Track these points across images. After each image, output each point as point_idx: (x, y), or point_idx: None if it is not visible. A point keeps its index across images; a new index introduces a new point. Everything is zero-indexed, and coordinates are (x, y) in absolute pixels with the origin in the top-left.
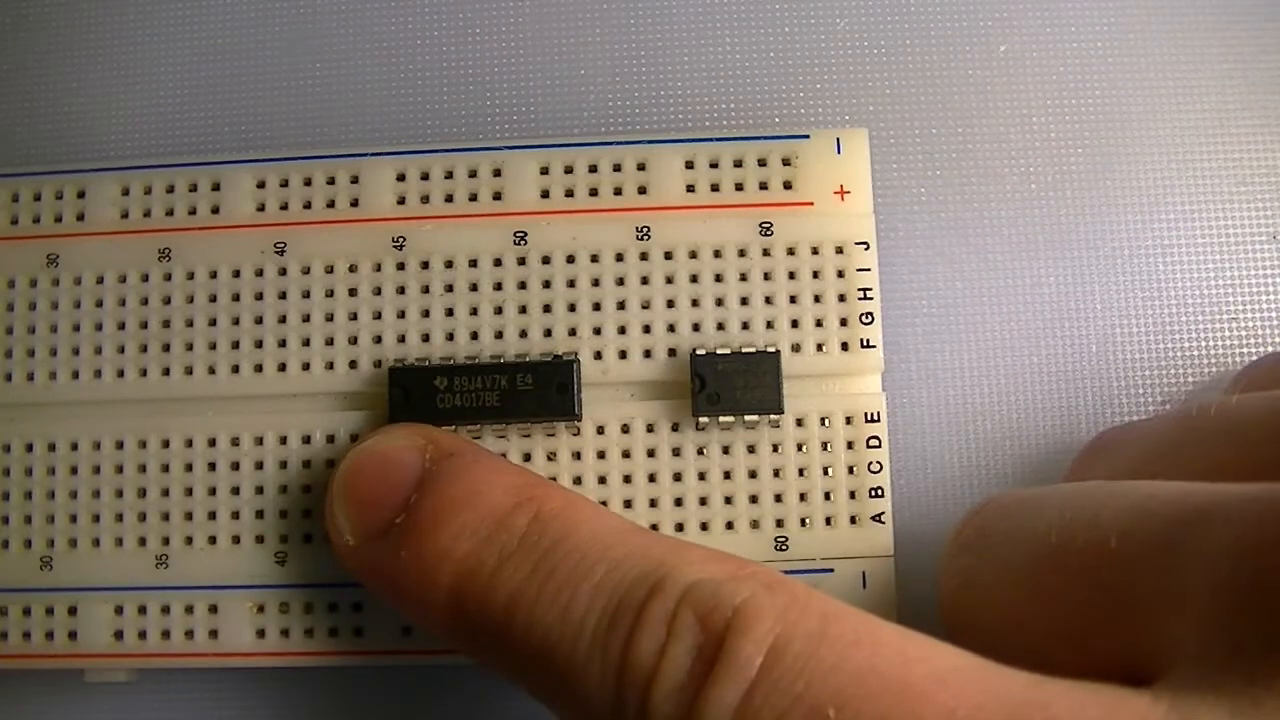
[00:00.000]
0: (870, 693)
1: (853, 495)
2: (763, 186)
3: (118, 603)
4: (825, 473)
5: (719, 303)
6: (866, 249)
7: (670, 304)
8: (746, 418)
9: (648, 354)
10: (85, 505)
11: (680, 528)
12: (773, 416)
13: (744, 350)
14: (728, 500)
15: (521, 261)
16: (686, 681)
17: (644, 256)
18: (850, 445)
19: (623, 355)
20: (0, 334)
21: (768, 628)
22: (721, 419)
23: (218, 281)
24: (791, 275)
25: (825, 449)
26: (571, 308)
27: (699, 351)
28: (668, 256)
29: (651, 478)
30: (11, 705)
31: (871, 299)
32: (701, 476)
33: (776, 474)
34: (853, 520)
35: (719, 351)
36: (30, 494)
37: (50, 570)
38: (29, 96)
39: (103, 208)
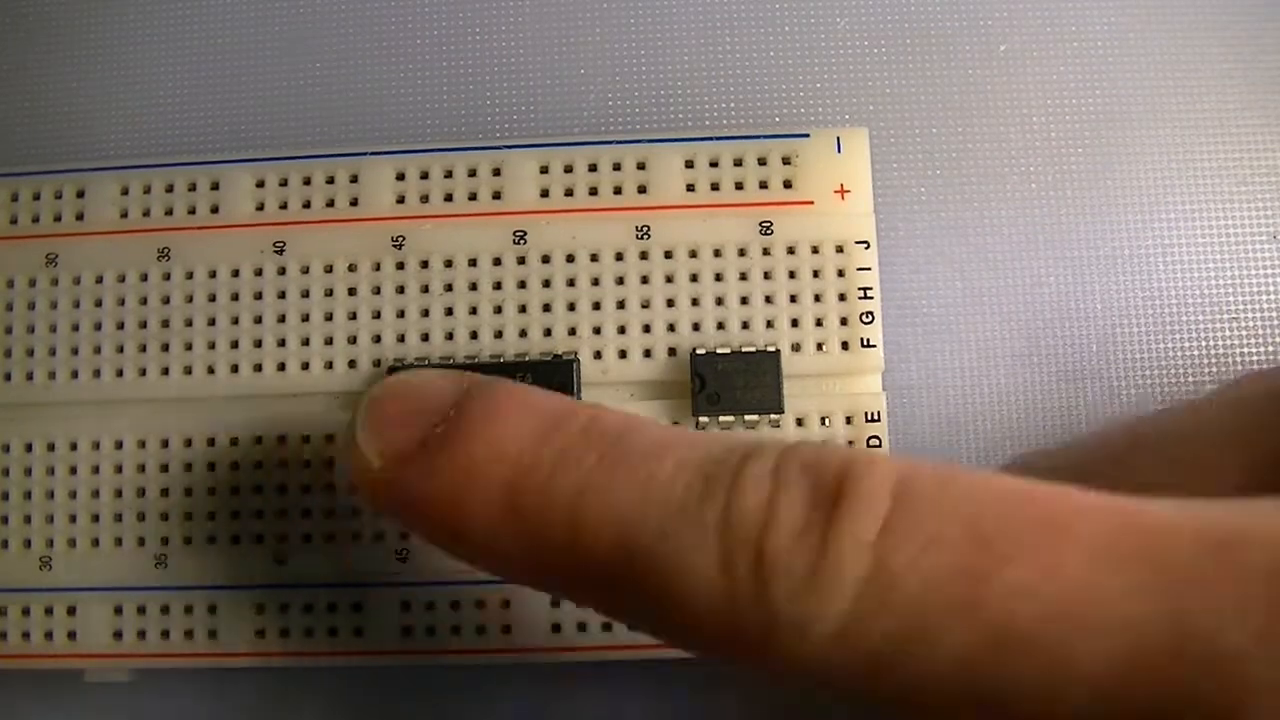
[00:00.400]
0: (1026, 514)
1: None
2: (763, 186)
3: (117, 603)
4: None
5: (719, 302)
6: (867, 248)
7: (670, 303)
8: (747, 417)
9: (648, 354)
10: (84, 505)
11: None
12: (773, 416)
13: (744, 350)
14: None
15: (521, 261)
16: (806, 526)
17: (644, 256)
18: (850, 445)
19: (623, 355)
20: (0, 334)
21: (887, 469)
22: (721, 419)
23: (217, 281)
24: (792, 274)
25: None
26: (571, 307)
27: (699, 351)
28: (667, 256)
29: None
30: (11, 705)
31: (872, 298)
32: None
33: None
34: None
35: (719, 351)
36: (29, 494)
37: (49, 570)
38: (29, 96)
39: (102, 207)
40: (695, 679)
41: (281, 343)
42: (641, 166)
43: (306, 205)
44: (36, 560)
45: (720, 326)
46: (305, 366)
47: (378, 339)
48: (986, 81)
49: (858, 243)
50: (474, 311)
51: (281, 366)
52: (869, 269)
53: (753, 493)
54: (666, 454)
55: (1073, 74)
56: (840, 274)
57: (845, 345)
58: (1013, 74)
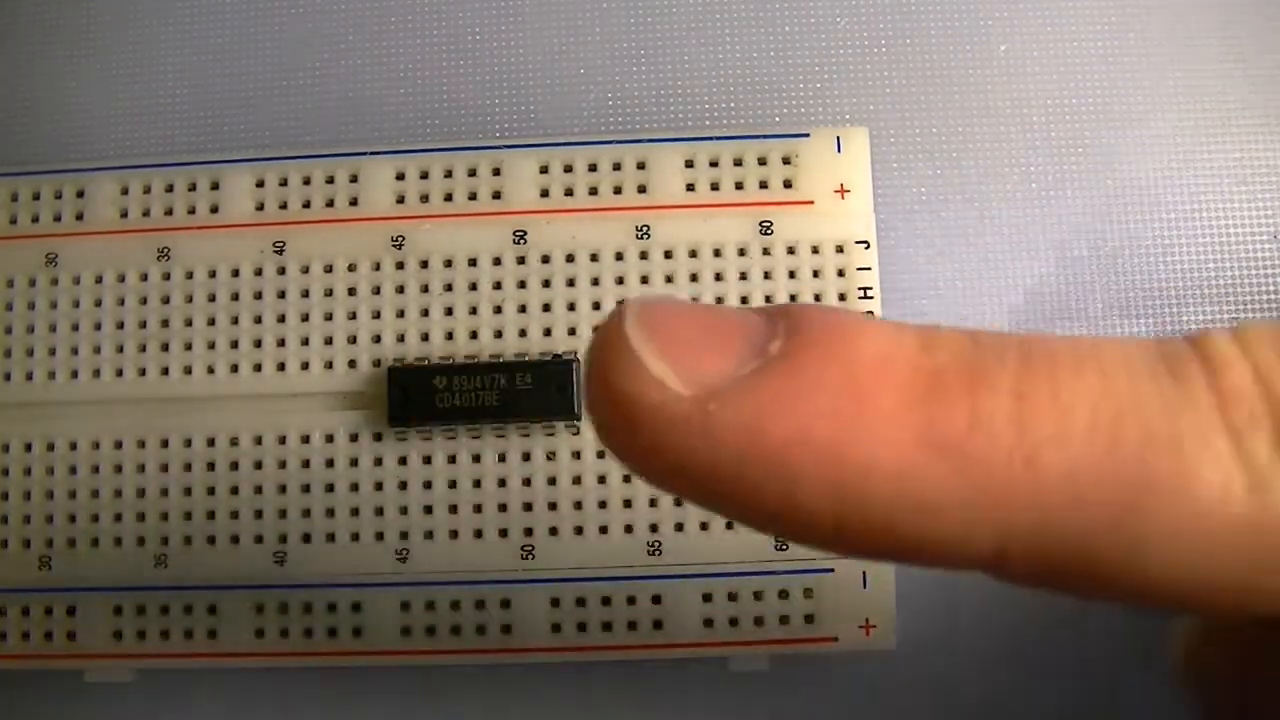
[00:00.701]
0: None
1: None
2: (763, 185)
3: (117, 603)
4: None
5: (719, 302)
6: (867, 248)
7: None
8: None
9: None
10: (84, 505)
11: (680, 528)
12: None
13: None
14: None
15: (521, 261)
16: None
17: (644, 255)
18: None
19: None
20: (0, 333)
21: None
22: None
23: (217, 281)
24: (791, 274)
25: None
26: (571, 307)
27: None
28: (667, 255)
29: None
30: (11, 705)
31: (872, 298)
32: None
33: None
34: None
35: None
36: (29, 494)
37: (49, 570)
38: (29, 96)
39: (102, 207)
40: (694, 679)
41: (281, 343)
42: (641, 166)
43: (306, 205)
44: (35, 560)
45: None
46: (305, 366)
47: (378, 339)
48: (986, 81)
49: (858, 243)
50: (474, 311)
51: (281, 366)
52: (869, 269)
53: (1236, 370)
54: (1102, 348)
55: (1073, 74)
56: (840, 274)
57: None
58: (1013, 74)
